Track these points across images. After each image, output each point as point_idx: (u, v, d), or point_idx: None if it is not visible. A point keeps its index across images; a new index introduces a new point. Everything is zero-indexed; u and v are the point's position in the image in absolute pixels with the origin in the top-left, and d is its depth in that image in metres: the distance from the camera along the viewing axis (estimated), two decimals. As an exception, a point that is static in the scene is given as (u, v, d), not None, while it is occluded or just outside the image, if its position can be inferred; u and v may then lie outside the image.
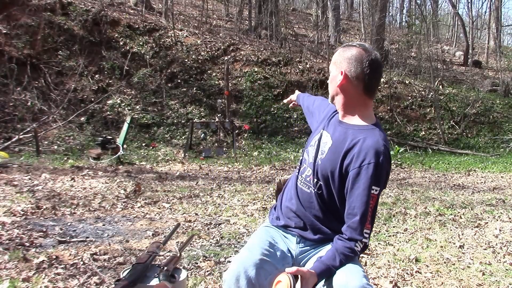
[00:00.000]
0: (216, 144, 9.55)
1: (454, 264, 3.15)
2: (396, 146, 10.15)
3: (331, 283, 1.48)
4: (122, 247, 3.21)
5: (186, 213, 4.34)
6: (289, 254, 1.67)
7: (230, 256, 3.12)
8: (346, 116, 1.67)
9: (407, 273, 2.93)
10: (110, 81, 10.33)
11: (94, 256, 2.96)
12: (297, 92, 2.37)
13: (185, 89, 10.89)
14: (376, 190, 1.52)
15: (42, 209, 4.05)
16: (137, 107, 10.02)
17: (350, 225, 1.54)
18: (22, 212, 3.89)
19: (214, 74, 11.58)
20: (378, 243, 3.59)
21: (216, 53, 12.13)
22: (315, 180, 1.66)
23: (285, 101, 2.42)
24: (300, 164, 1.77)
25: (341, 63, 1.63)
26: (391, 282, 2.75)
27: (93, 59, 10.46)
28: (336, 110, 1.75)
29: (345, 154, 1.58)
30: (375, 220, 1.76)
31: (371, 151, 1.53)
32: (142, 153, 8.38)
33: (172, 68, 11.28)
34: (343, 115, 1.68)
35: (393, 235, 3.85)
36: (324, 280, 1.50)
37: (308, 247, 1.69)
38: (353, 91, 1.62)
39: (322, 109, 1.92)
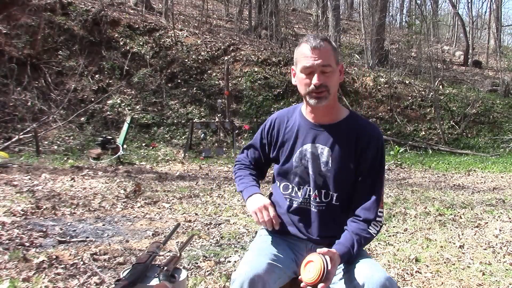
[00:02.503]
0: (216, 144, 9.54)
1: (454, 264, 3.15)
2: (396, 146, 10.14)
3: (352, 274, 1.46)
4: (122, 247, 3.21)
5: (186, 213, 4.34)
6: (296, 258, 1.65)
7: (230, 256, 3.12)
8: (329, 114, 1.63)
9: (407, 273, 2.93)
10: (110, 81, 10.32)
11: (94, 256, 2.96)
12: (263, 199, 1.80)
13: (185, 89, 10.89)
14: (383, 171, 1.61)
15: (42, 209, 4.05)
16: (137, 107, 10.02)
17: (365, 206, 1.56)
18: (22, 212, 3.89)
19: (214, 74, 11.57)
20: (378, 243, 3.59)
21: (216, 53, 12.12)
22: (325, 192, 1.62)
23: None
24: (291, 190, 1.72)
25: (333, 57, 1.55)
26: (391, 282, 2.75)
27: (93, 59, 10.45)
28: (273, 120, 1.75)
29: (353, 151, 1.59)
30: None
31: (373, 137, 1.59)
32: (142, 153, 8.38)
33: (172, 68, 11.27)
34: (330, 114, 1.63)
35: (393, 235, 3.85)
36: (343, 273, 1.50)
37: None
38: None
39: (261, 143, 1.87)
